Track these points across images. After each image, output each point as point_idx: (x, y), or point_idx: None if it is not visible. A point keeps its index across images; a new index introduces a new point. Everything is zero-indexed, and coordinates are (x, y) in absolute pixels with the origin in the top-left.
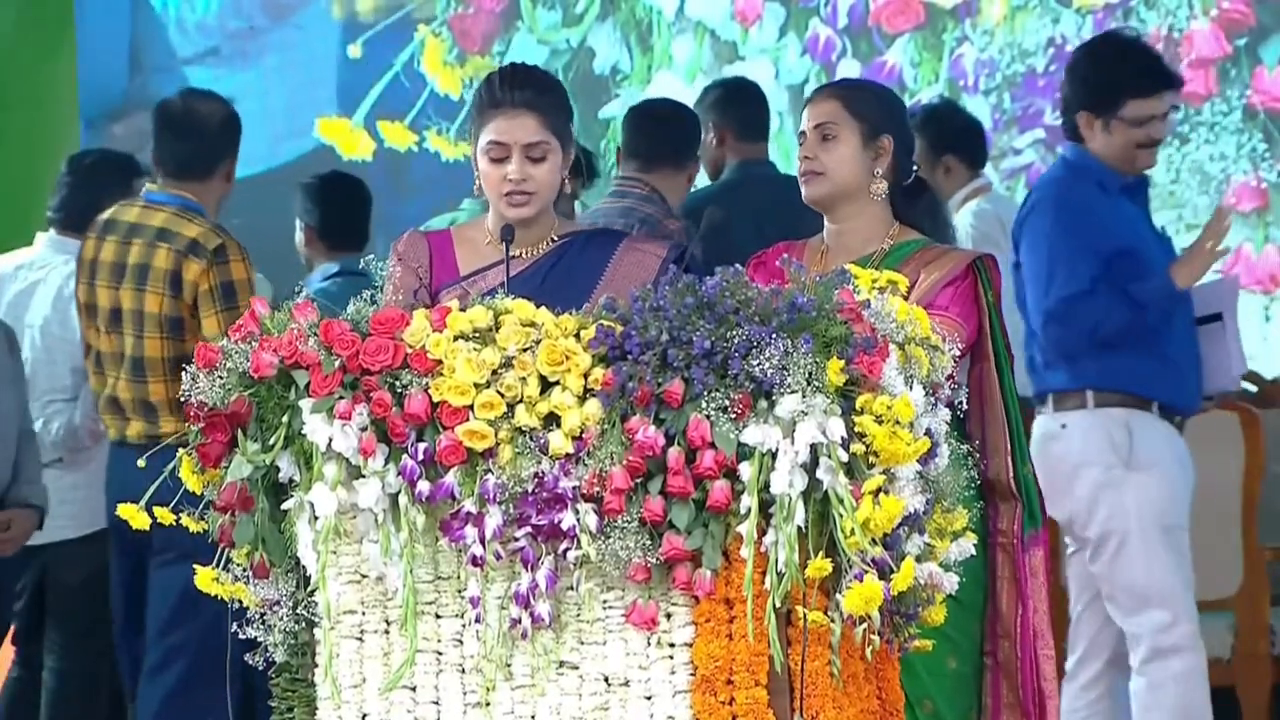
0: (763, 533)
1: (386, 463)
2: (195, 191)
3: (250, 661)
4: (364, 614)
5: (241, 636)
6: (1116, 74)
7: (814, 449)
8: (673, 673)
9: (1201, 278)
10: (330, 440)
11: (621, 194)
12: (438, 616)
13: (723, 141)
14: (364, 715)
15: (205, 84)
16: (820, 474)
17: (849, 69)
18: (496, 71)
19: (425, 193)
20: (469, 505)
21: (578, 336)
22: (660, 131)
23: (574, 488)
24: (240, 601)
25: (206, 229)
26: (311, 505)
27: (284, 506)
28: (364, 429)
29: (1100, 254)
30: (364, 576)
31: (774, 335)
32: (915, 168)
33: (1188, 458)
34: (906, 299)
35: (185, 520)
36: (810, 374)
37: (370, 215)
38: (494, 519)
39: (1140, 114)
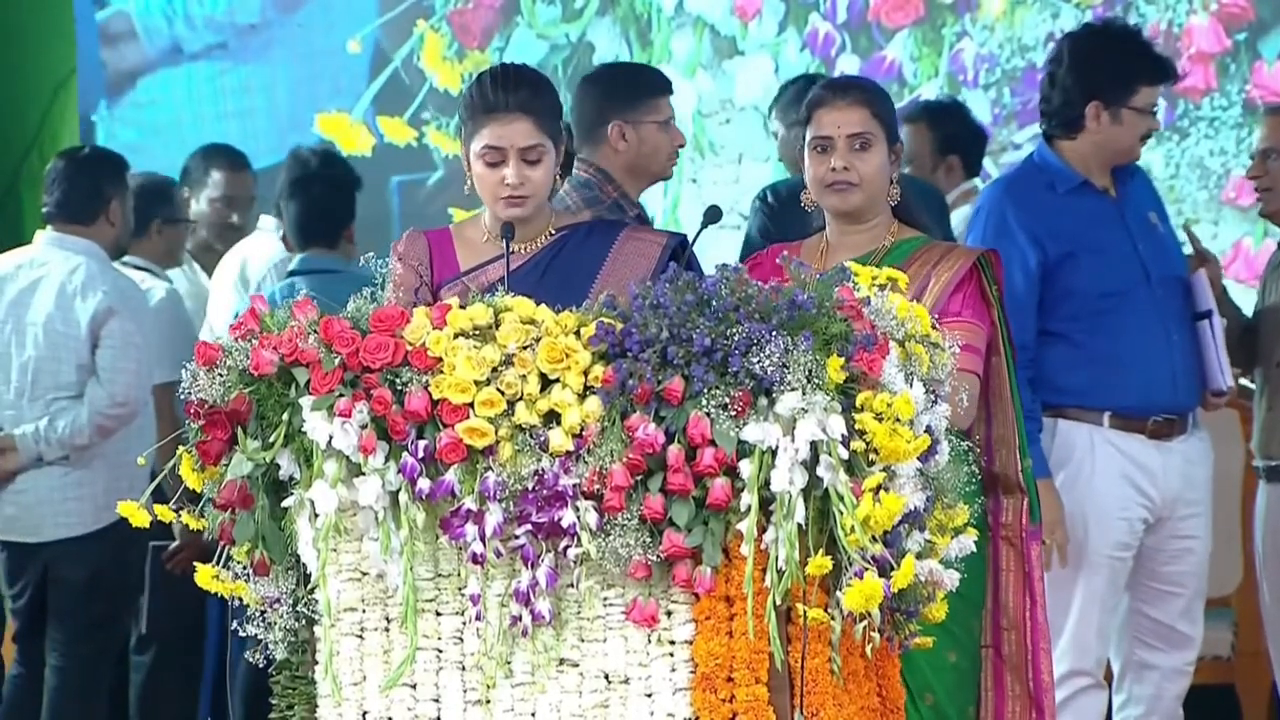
0: (763, 530)
1: (387, 460)
2: None
3: (250, 659)
4: (364, 611)
5: (242, 634)
6: (1133, 61)
7: (814, 446)
8: (673, 670)
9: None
10: (330, 438)
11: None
12: (438, 614)
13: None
14: (364, 713)
15: (211, 78)
16: (820, 471)
17: (848, 64)
18: (486, 74)
19: (423, 188)
20: (469, 503)
21: (578, 334)
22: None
23: (574, 485)
24: (240, 599)
25: None
26: (312, 503)
27: (284, 504)
28: (364, 426)
29: (1027, 270)
30: (364, 574)
31: (774, 333)
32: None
33: (1143, 473)
34: (919, 299)
35: (186, 518)
36: (810, 371)
37: (348, 211)
38: (494, 516)
39: (1149, 102)
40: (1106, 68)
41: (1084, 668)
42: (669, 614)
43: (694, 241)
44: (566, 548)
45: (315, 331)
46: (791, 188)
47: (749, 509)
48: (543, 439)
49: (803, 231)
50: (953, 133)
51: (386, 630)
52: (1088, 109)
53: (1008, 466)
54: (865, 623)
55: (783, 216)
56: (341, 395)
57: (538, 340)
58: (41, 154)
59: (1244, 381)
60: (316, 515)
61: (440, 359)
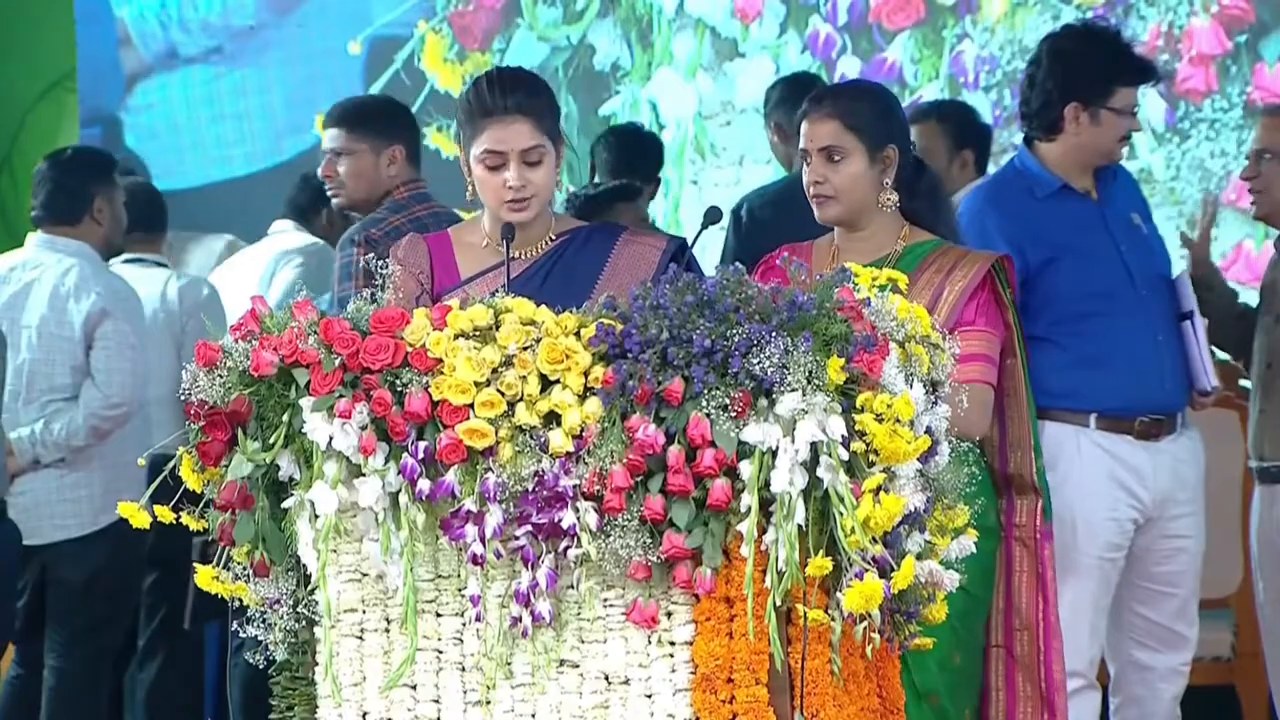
0: (763, 531)
1: (387, 461)
2: None
3: (250, 660)
4: (364, 612)
5: (242, 635)
6: (1111, 62)
7: (814, 447)
8: (673, 671)
9: None
10: (330, 439)
11: None
12: (438, 615)
13: (787, 138)
14: (364, 714)
15: (207, 82)
16: (820, 472)
17: (849, 66)
18: (484, 78)
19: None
20: (469, 504)
21: (578, 335)
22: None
23: (574, 486)
24: (241, 600)
25: None
26: (312, 504)
27: (284, 505)
28: (364, 427)
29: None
30: (364, 575)
31: (774, 333)
32: (913, 148)
33: (1132, 473)
34: (934, 308)
35: (186, 519)
36: (810, 372)
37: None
38: (494, 517)
39: (1128, 103)
40: (1085, 69)
41: (1077, 668)
42: (669, 615)
43: (694, 243)
44: (566, 549)
45: (315, 332)
46: (766, 200)
47: (749, 510)
48: (543, 440)
49: (774, 247)
50: (965, 126)
51: (387, 631)
52: (1066, 110)
53: (1022, 467)
54: (865, 624)
55: (751, 234)
56: (341, 396)
57: (538, 341)
58: (12, 173)
59: (1244, 383)
60: (316, 516)
61: (440, 360)
